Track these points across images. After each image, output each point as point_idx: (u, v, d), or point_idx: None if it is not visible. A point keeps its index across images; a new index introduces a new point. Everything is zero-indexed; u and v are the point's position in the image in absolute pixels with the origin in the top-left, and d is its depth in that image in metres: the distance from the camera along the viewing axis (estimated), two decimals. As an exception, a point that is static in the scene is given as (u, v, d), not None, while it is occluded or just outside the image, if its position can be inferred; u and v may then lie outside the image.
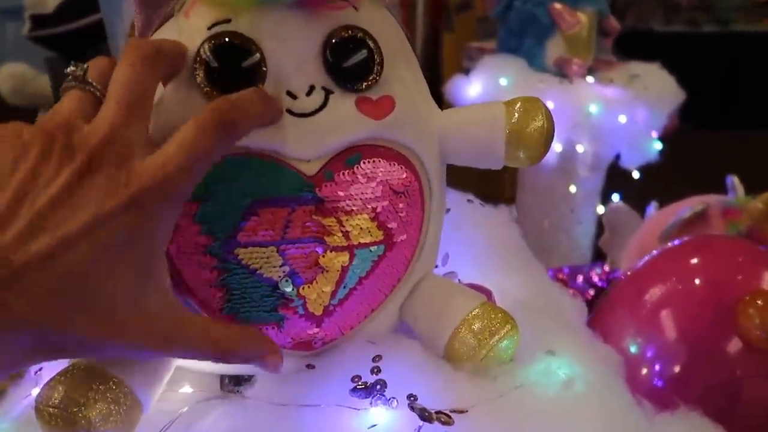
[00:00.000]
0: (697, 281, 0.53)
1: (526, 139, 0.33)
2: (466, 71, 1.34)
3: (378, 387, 0.30)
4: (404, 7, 2.50)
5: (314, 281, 0.32)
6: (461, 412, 0.29)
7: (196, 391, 0.32)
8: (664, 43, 3.51)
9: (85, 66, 0.29)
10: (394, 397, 0.30)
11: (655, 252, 0.58)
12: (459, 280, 0.42)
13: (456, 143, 0.35)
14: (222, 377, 0.34)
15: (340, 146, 0.32)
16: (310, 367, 0.33)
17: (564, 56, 1.15)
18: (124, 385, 0.28)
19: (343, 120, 0.31)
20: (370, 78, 0.32)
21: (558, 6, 1.13)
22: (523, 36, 1.17)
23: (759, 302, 0.48)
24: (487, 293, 0.40)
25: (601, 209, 1.21)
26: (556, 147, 1.08)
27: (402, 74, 0.34)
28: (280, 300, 0.32)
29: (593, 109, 1.05)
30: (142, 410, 0.29)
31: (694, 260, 0.55)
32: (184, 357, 0.29)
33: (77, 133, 0.25)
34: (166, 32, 0.31)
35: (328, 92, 0.31)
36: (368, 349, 0.32)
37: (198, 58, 0.30)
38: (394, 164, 0.33)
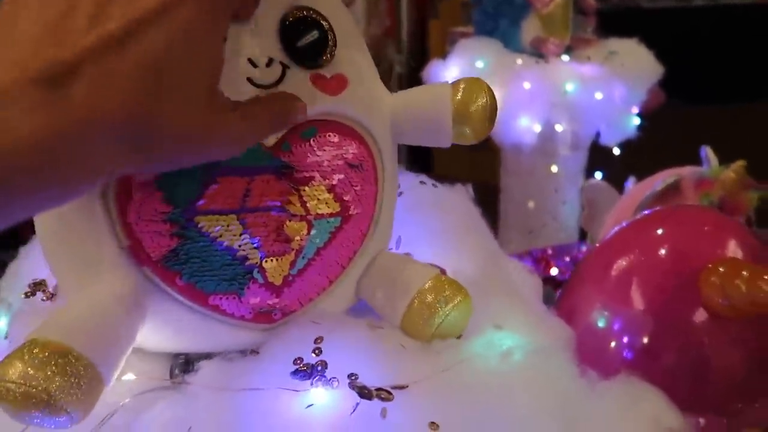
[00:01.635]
0: (661, 252, 0.53)
1: (470, 115, 0.35)
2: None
3: (319, 368, 0.30)
4: (389, -6, 2.49)
5: (274, 250, 0.33)
6: (402, 387, 0.30)
7: (140, 380, 0.32)
8: (652, 19, 3.49)
9: None
10: (335, 377, 0.30)
11: (619, 225, 0.58)
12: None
13: (406, 122, 0.36)
14: (172, 366, 0.35)
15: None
16: (254, 352, 0.33)
17: (540, 36, 1.15)
18: (84, 358, 0.27)
19: (300, 94, 0.32)
20: (324, 56, 0.33)
21: (532, -15, 1.13)
22: (498, 18, 1.16)
23: (721, 270, 0.48)
24: (441, 272, 0.40)
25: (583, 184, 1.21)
26: (535, 127, 1.08)
27: (354, 56, 0.35)
28: (240, 268, 0.32)
29: (569, 87, 1.05)
30: (104, 383, 0.29)
31: (659, 231, 0.55)
32: (249, 141, 0.29)
33: None
34: None
35: (285, 67, 0.32)
36: (312, 330, 0.32)
37: None
38: (348, 139, 0.35)
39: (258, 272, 0.33)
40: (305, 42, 0.32)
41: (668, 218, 0.57)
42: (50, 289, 0.40)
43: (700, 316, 0.51)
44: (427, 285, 0.35)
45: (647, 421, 0.32)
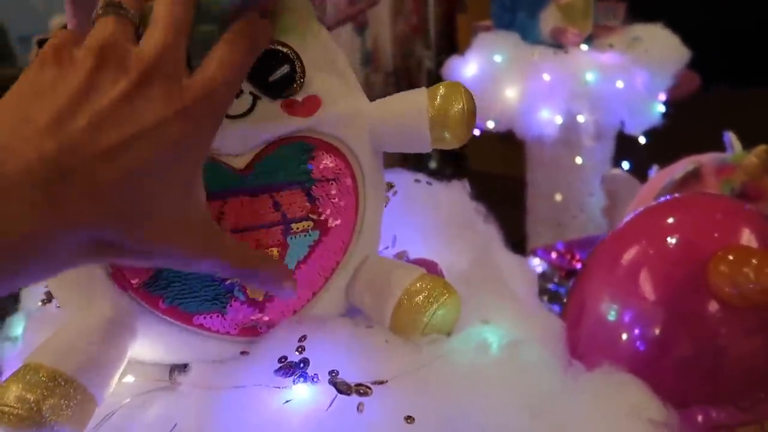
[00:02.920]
0: (671, 241, 0.52)
1: (448, 120, 0.35)
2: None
3: (301, 365, 0.31)
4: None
5: None
6: (381, 383, 0.30)
7: (139, 381, 0.34)
8: (687, 1, 3.38)
9: None
10: (316, 374, 0.31)
11: (629, 216, 0.57)
12: (408, 257, 0.43)
13: (384, 131, 0.37)
14: (170, 369, 0.36)
15: (268, 140, 0.34)
16: (244, 353, 0.34)
17: (559, 26, 1.13)
18: (75, 380, 0.30)
19: (271, 120, 0.33)
20: (294, 87, 0.34)
21: (549, -25, 1.11)
22: (516, 10, 1.16)
23: (730, 258, 0.47)
24: (433, 266, 0.40)
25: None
26: (557, 119, 1.06)
27: (327, 72, 0.35)
28: (221, 288, 0.33)
29: (590, 77, 1.03)
30: (96, 403, 0.31)
31: (668, 220, 0.53)
32: (214, 270, 0.30)
33: (127, 52, 0.26)
34: None
35: (255, 97, 0.33)
36: (297, 330, 0.33)
37: None
38: (323, 153, 0.35)
39: (239, 290, 0.34)
40: (276, 77, 0.33)
41: (678, 207, 0.55)
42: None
43: (712, 306, 0.50)
44: (413, 285, 0.35)
45: (627, 412, 0.32)
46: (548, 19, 1.14)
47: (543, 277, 0.92)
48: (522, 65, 1.08)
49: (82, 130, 0.24)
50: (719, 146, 0.80)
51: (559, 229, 1.26)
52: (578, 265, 0.97)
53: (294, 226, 0.34)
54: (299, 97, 0.34)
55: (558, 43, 1.13)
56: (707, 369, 0.51)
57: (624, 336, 0.54)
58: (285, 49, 0.33)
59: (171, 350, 0.35)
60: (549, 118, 1.06)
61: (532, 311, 0.37)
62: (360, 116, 0.36)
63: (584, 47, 1.11)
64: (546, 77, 1.05)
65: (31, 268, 0.24)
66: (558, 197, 1.24)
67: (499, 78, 1.09)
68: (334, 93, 0.35)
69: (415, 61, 2.51)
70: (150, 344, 0.34)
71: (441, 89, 0.35)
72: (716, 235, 0.52)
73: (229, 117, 0.32)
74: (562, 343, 0.35)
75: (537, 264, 0.98)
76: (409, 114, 0.35)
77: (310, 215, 0.35)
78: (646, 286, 0.52)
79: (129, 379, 0.34)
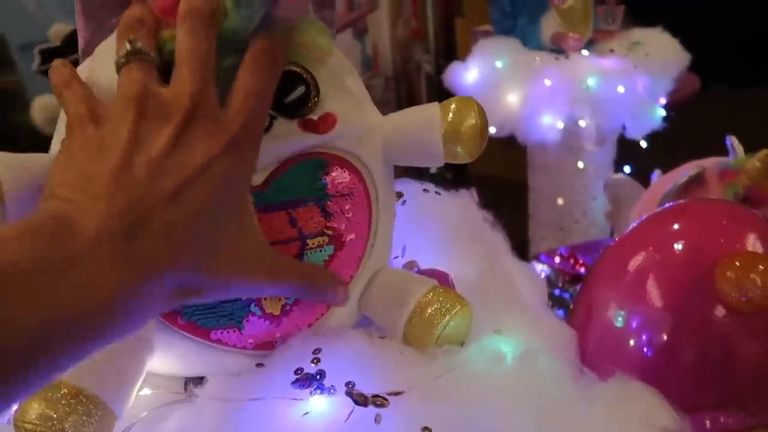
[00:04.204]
0: (677, 247, 0.52)
1: (461, 136, 0.35)
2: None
3: (317, 377, 0.31)
4: (414, -5, 2.50)
5: None
6: (397, 394, 0.31)
7: (156, 393, 0.34)
8: (687, 2, 3.39)
9: (136, 38, 0.29)
10: (333, 386, 0.31)
11: (634, 222, 0.58)
12: (418, 267, 0.43)
13: (397, 146, 0.37)
14: (186, 381, 0.36)
15: (284, 157, 0.34)
16: (259, 365, 0.34)
17: (560, 31, 1.14)
18: (95, 396, 0.30)
19: (287, 138, 0.34)
20: (309, 106, 0.34)
21: (549, -19, 1.12)
22: (516, 16, 1.16)
23: (737, 263, 0.47)
24: (444, 276, 0.41)
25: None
26: (558, 124, 1.07)
27: (341, 90, 0.36)
28: (237, 304, 0.34)
29: (591, 82, 1.04)
30: (116, 417, 0.31)
31: (673, 226, 0.54)
32: (282, 292, 0.31)
33: (161, 97, 0.27)
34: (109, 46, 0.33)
35: (272, 117, 0.33)
36: (312, 341, 0.33)
37: None
38: (337, 168, 0.36)
39: (255, 306, 0.34)
40: (292, 98, 0.33)
41: (683, 213, 0.56)
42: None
43: (719, 311, 0.50)
44: (425, 297, 0.35)
45: (639, 421, 0.32)
46: (549, 25, 1.15)
47: (547, 281, 0.93)
48: (523, 71, 1.08)
49: (143, 181, 0.25)
50: (719, 147, 0.81)
51: (561, 233, 1.27)
52: (582, 270, 0.97)
53: (310, 241, 0.35)
54: (315, 116, 0.34)
55: (559, 49, 1.14)
56: (715, 374, 0.52)
57: (631, 342, 0.54)
58: (299, 70, 0.33)
59: (188, 364, 0.35)
60: (551, 123, 1.07)
61: (544, 320, 0.38)
62: (373, 131, 0.37)
63: (585, 52, 1.11)
64: (547, 82, 1.06)
65: (121, 323, 0.24)
66: (560, 201, 1.25)
67: (500, 84, 1.10)
68: (348, 109, 0.35)
69: (414, 66, 2.52)
70: (167, 358, 0.34)
71: (453, 104, 0.36)
72: (722, 240, 0.52)
73: None
74: (574, 351, 0.35)
75: (541, 269, 0.99)
76: (422, 129, 0.36)
77: (325, 230, 0.35)
78: (653, 292, 0.52)
79: (145, 391, 0.35)
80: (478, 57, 1.16)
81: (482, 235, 0.44)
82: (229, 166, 0.27)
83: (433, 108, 0.36)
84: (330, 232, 0.36)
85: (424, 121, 0.36)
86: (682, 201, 0.61)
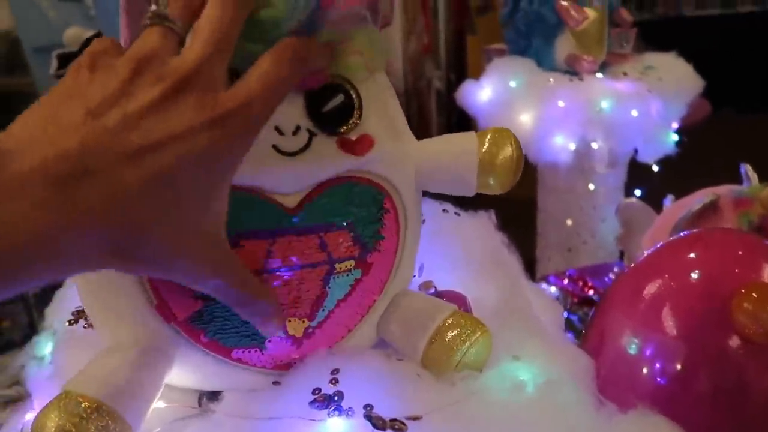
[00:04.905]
0: (692, 276, 0.52)
1: (496, 167, 0.35)
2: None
3: (335, 398, 0.31)
4: (426, 10, 2.52)
5: (295, 305, 0.34)
6: (416, 419, 0.30)
7: (171, 407, 0.34)
8: (697, 27, 3.42)
9: (166, 2, 0.29)
10: (351, 407, 0.31)
11: (649, 249, 0.58)
12: (435, 288, 0.43)
13: (431, 173, 0.37)
14: (200, 395, 0.36)
15: (320, 180, 0.34)
16: (276, 383, 0.34)
17: (574, 53, 1.14)
18: (113, 410, 0.30)
19: (325, 158, 0.33)
20: (350, 122, 0.34)
21: (564, 3, 1.12)
22: (531, 37, 1.17)
23: (754, 295, 0.47)
24: (462, 299, 0.41)
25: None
26: (570, 145, 1.07)
27: (381, 113, 0.36)
28: None
29: (605, 105, 1.04)
30: None
31: (690, 255, 0.54)
32: (216, 292, 0.29)
33: (165, 63, 0.26)
34: None
35: (312, 134, 0.33)
36: (330, 361, 0.33)
37: None
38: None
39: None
40: (330, 107, 0.33)
41: (699, 241, 0.55)
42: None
43: (734, 342, 0.50)
44: (445, 322, 0.35)
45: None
46: (563, 46, 1.15)
47: (556, 303, 0.92)
48: (537, 91, 1.08)
49: (107, 131, 0.24)
50: (729, 171, 0.80)
51: (569, 254, 1.26)
52: (590, 292, 0.97)
53: (338, 266, 0.34)
54: (353, 136, 0.34)
55: (573, 70, 1.14)
56: (729, 405, 0.51)
57: (645, 370, 0.53)
58: (340, 81, 0.33)
59: (205, 379, 0.35)
60: (563, 145, 1.07)
61: (562, 347, 0.38)
62: (408, 157, 0.36)
63: (599, 75, 1.11)
64: (561, 104, 1.06)
65: (38, 268, 0.23)
66: (569, 222, 1.25)
67: (513, 103, 1.10)
68: (386, 133, 0.35)
69: (425, 83, 2.53)
70: (185, 373, 0.34)
71: (490, 135, 0.35)
72: (738, 271, 0.52)
73: (285, 154, 0.32)
74: (592, 380, 0.35)
75: (549, 290, 0.98)
76: (458, 158, 0.35)
77: (353, 255, 0.35)
78: (668, 320, 0.52)
79: (160, 404, 0.34)
80: (492, 76, 1.16)
81: (500, 258, 0.44)
82: (207, 143, 0.25)
83: (469, 137, 0.36)
84: (358, 257, 0.35)
85: (459, 151, 0.35)
86: (698, 230, 0.61)
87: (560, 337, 0.39)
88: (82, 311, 0.43)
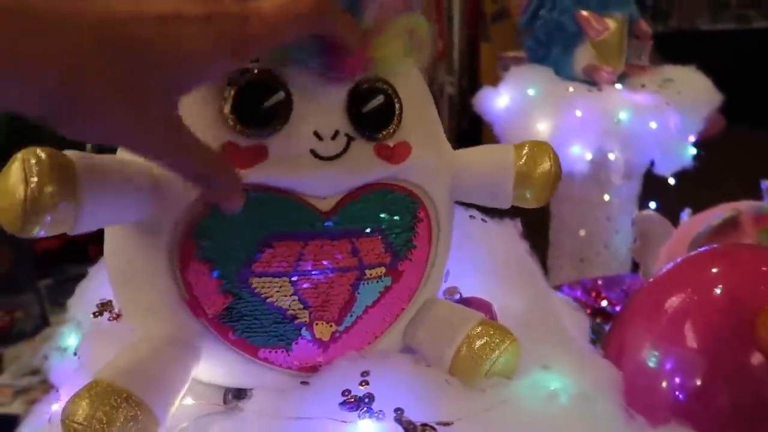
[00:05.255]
0: (716, 291, 0.52)
1: (533, 181, 0.35)
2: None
3: (366, 400, 0.31)
4: (440, 17, 2.52)
5: (323, 308, 0.34)
6: (447, 424, 0.30)
7: (197, 404, 0.34)
8: (711, 42, 3.41)
9: None
10: (381, 410, 0.31)
11: (672, 263, 0.57)
12: (460, 294, 0.43)
13: (467, 183, 0.37)
14: (225, 391, 0.36)
15: (356, 186, 0.34)
16: (304, 383, 0.34)
17: (593, 63, 1.14)
18: (141, 402, 0.30)
19: (362, 164, 0.33)
20: (389, 127, 0.33)
21: (585, 13, 1.12)
22: (550, 45, 1.16)
23: (779, 313, 0.47)
24: (487, 306, 0.40)
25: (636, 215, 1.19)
26: (587, 155, 1.07)
27: (419, 121, 0.35)
28: (289, 326, 0.34)
29: (623, 116, 1.04)
30: (159, 424, 0.31)
31: (713, 270, 0.53)
32: (176, 169, 0.28)
33: None
34: None
35: (350, 138, 0.33)
36: (359, 363, 0.33)
37: (227, 93, 0.31)
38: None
39: (306, 330, 0.34)
40: (370, 107, 0.32)
41: (723, 257, 0.55)
42: (116, 311, 0.43)
43: (756, 359, 0.49)
44: (473, 331, 0.35)
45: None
46: (582, 56, 1.15)
47: (569, 313, 0.92)
48: (555, 100, 1.08)
49: None
50: (743, 185, 0.80)
51: (582, 264, 1.26)
52: (604, 303, 0.96)
53: (368, 272, 0.34)
54: (391, 142, 0.33)
55: (591, 80, 1.14)
56: (748, 422, 0.51)
57: (664, 384, 0.53)
58: (382, 85, 0.33)
59: (231, 376, 0.35)
60: (579, 154, 1.07)
61: (591, 358, 0.38)
62: (444, 166, 0.36)
63: (618, 86, 1.11)
64: (578, 113, 1.06)
65: None
66: (582, 232, 1.24)
67: (531, 111, 1.10)
68: (423, 141, 0.35)
69: (437, 88, 2.53)
70: (212, 368, 0.34)
71: (528, 148, 0.35)
72: (764, 288, 0.52)
73: (322, 159, 0.32)
74: (620, 392, 0.35)
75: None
76: (495, 170, 0.35)
77: (384, 262, 0.35)
78: (690, 335, 0.52)
79: (187, 401, 0.35)
80: (510, 83, 1.16)
81: (526, 267, 0.44)
82: (195, 34, 0.25)
83: (507, 149, 0.35)
84: (389, 264, 0.35)
85: (497, 162, 0.35)
86: (723, 245, 0.61)
87: (588, 348, 0.39)
88: (107, 303, 0.44)
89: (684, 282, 0.55)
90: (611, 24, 1.13)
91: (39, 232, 0.27)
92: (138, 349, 0.32)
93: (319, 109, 0.32)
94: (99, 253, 0.38)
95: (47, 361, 0.44)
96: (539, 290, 0.43)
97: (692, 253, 0.57)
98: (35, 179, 0.26)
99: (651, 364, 0.53)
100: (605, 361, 0.37)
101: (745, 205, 0.75)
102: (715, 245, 0.59)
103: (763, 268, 0.53)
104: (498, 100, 1.16)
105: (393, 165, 0.33)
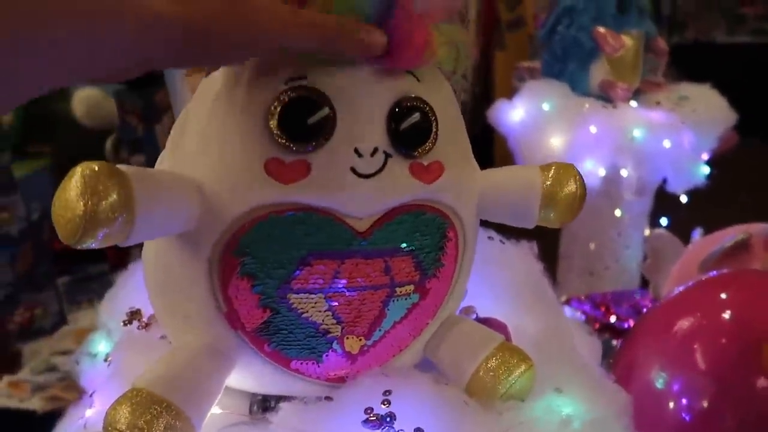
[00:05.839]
0: (724, 316, 0.53)
1: (558, 203, 0.36)
2: (515, 93, 1.35)
3: (388, 419, 0.33)
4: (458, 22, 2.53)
5: (354, 323, 0.35)
6: (465, 445, 0.32)
7: (224, 413, 0.35)
8: (727, 55, 3.40)
9: None
10: (402, 430, 0.32)
11: (682, 286, 0.59)
12: (477, 314, 0.44)
13: (493, 203, 0.38)
14: (251, 403, 0.38)
15: (391, 206, 0.35)
16: (328, 399, 0.36)
17: (609, 79, 1.15)
18: (181, 412, 0.31)
19: (397, 183, 0.34)
20: (426, 145, 0.35)
21: (602, 30, 1.13)
22: (566, 61, 1.17)
23: (787, 340, 0.48)
24: (503, 327, 0.42)
25: (649, 233, 1.20)
26: (600, 171, 1.08)
27: (452, 141, 0.37)
28: (322, 339, 0.35)
29: (637, 133, 1.05)
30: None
31: (722, 295, 0.55)
32: (301, 42, 0.30)
33: None
34: (240, 75, 0.34)
35: (387, 156, 0.34)
36: (382, 381, 0.35)
37: (274, 108, 0.32)
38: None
39: (337, 343, 0.35)
40: (408, 124, 0.34)
41: (732, 282, 0.56)
42: (145, 319, 0.45)
43: (762, 383, 0.51)
44: (492, 353, 0.36)
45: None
46: (598, 72, 1.16)
47: (578, 328, 0.93)
48: (570, 115, 1.09)
49: None
50: (754, 201, 0.81)
51: (591, 278, 1.27)
52: (612, 319, 0.97)
53: (398, 289, 0.36)
54: (425, 161, 0.35)
55: (606, 97, 1.15)
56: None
57: (671, 405, 0.55)
58: (419, 103, 0.34)
59: (262, 385, 0.36)
60: (592, 170, 1.08)
61: (603, 383, 0.39)
62: (472, 186, 0.37)
63: (633, 103, 1.12)
64: (593, 129, 1.07)
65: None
66: (592, 246, 1.25)
67: (545, 126, 1.11)
68: (455, 160, 0.36)
69: (451, 93, 2.55)
70: (243, 377, 0.36)
71: (553, 170, 0.36)
72: (770, 314, 0.53)
73: (360, 176, 0.33)
74: (630, 418, 0.36)
75: (570, 313, 0.99)
76: (521, 191, 0.36)
77: (414, 280, 0.36)
78: (698, 358, 0.53)
79: (214, 410, 0.36)
80: (525, 97, 1.17)
81: (541, 290, 0.45)
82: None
83: (533, 171, 0.36)
84: (418, 282, 0.36)
85: (523, 183, 0.36)
86: (732, 270, 0.62)
87: (599, 372, 0.41)
88: (136, 312, 0.45)
89: (693, 306, 0.56)
90: (627, 41, 1.14)
91: (93, 244, 0.28)
92: (175, 357, 0.34)
93: (360, 126, 0.33)
94: (116, 253, 0.40)
95: (78, 365, 0.46)
96: (554, 313, 0.44)
97: (701, 277, 0.58)
98: (94, 194, 0.27)
99: (659, 386, 0.55)
100: (616, 386, 0.39)
101: (756, 228, 0.76)
102: (725, 270, 0.60)
103: (771, 295, 0.54)
104: (513, 114, 1.17)
105: (427, 184, 0.35)
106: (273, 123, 0.32)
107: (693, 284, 0.59)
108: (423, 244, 0.36)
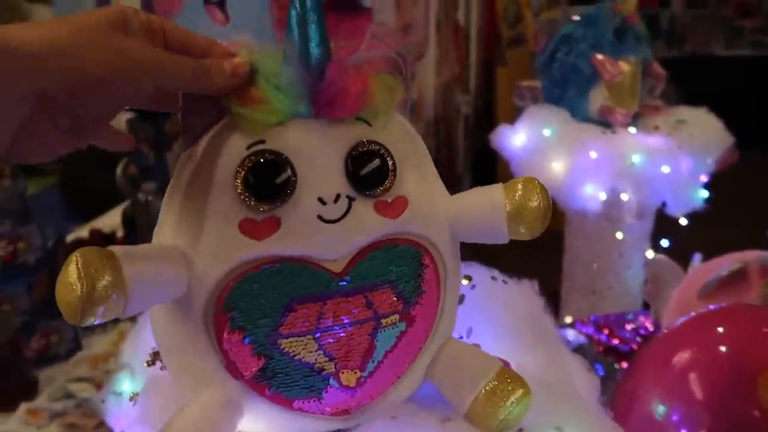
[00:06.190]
0: (720, 350, 0.55)
1: (525, 217, 0.38)
2: (517, 110, 1.37)
3: (400, 463, 0.35)
4: (458, 38, 2.57)
5: (347, 358, 0.38)
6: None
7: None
8: (726, 67, 3.43)
9: None
10: (413, 472, 0.35)
11: (682, 318, 0.61)
12: (481, 353, 0.46)
13: (464, 225, 0.40)
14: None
15: (362, 245, 0.37)
16: (340, 434, 0.38)
17: (608, 105, 1.18)
18: None
19: (364, 223, 0.36)
20: (386, 183, 0.37)
21: (600, 57, 1.16)
22: (565, 87, 1.20)
23: (779, 373, 0.50)
24: (506, 365, 0.44)
25: (650, 254, 1.22)
26: (600, 195, 1.10)
27: (413, 175, 0.39)
28: (318, 377, 0.37)
29: (636, 159, 1.07)
30: None
31: (718, 330, 0.57)
32: (170, 84, 0.34)
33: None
34: (207, 147, 0.37)
35: (351, 199, 0.36)
36: (391, 425, 0.37)
37: (239, 172, 0.35)
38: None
39: (334, 379, 0.37)
40: (366, 167, 0.36)
41: (730, 316, 0.59)
42: (168, 361, 0.47)
43: (756, 416, 0.53)
44: (493, 379, 0.38)
45: None
46: (597, 98, 1.19)
47: (581, 351, 0.95)
48: (570, 141, 1.12)
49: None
50: (753, 215, 0.82)
51: (593, 297, 1.29)
52: (615, 342, 0.99)
53: (383, 320, 0.38)
54: (389, 198, 0.37)
55: (605, 122, 1.18)
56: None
57: (671, 434, 0.57)
58: (373, 145, 0.37)
59: (272, 426, 0.39)
60: (592, 194, 1.10)
61: (601, 421, 0.41)
62: (441, 213, 0.40)
63: (632, 129, 1.15)
64: (593, 155, 1.09)
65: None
66: (595, 266, 1.27)
67: (546, 151, 1.14)
68: (418, 191, 0.38)
69: (453, 110, 2.58)
70: (254, 421, 0.38)
71: (517, 185, 0.38)
72: (764, 349, 0.55)
73: (327, 222, 0.36)
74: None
75: (574, 336, 1.01)
76: (488, 211, 0.38)
77: (397, 310, 0.38)
78: (695, 390, 0.55)
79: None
80: (526, 123, 1.20)
81: (543, 328, 0.48)
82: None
83: (497, 192, 0.38)
84: (401, 306, 0.38)
85: (489, 204, 0.38)
86: (728, 304, 0.64)
87: (598, 410, 0.43)
88: (158, 353, 0.48)
89: (691, 339, 0.58)
90: (625, 67, 1.17)
91: (94, 320, 0.31)
92: (192, 413, 0.36)
93: (320, 176, 0.36)
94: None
95: (104, 404, 0.49)
96: (555, 350, 0.46)
97: (699, 311, 0.60)
98: (88, 277, 0.30)
99: (658, 417, 0.57)
100: (614, 424, 0.41)
101: (752, 256, 0.78)
102: (721, 304, 0.63)
103: (765, 330, 0.56)
104: (515, 139, 1.20)
105: (393, 219, 0.37)
106: (240, 188, 0.35)
107: (690, 318, 0.62)
108: (400, 274, 0.38)
